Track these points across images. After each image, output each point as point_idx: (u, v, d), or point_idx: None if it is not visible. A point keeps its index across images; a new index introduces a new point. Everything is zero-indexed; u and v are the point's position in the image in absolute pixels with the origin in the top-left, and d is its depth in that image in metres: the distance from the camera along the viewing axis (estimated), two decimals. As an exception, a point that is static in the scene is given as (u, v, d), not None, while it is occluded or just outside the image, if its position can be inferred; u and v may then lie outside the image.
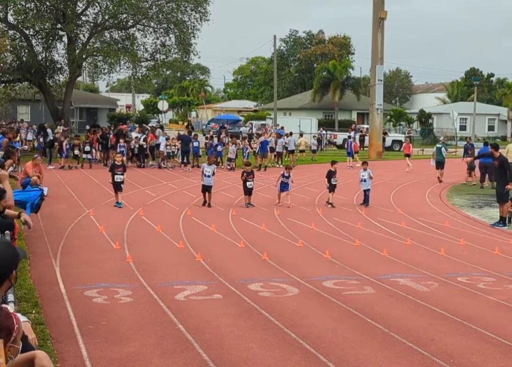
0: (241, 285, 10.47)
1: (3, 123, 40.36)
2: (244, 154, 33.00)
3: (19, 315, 4.25)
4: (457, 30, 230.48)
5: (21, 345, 3.42)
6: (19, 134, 34.68)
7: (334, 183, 20.59)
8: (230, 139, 35.00)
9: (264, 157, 32.76)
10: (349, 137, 37.79)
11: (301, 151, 39.03)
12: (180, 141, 31.84)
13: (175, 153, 32.43)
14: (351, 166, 33.65)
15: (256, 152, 33.03)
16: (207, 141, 34.85)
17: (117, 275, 11.04)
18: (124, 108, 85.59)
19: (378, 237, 15.34)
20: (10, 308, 3.46)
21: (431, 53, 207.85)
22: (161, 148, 31.97)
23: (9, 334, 3.33)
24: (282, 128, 42.64)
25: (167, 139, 32.34)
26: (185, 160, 31.69)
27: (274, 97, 65.68)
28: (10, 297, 5.05)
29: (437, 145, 30.11)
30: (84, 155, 31.82)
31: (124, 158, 24.58)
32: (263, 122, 58.87)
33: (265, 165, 32.71)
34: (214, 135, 38.92)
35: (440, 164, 28.91)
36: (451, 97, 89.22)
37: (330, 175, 20.57)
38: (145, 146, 32.30)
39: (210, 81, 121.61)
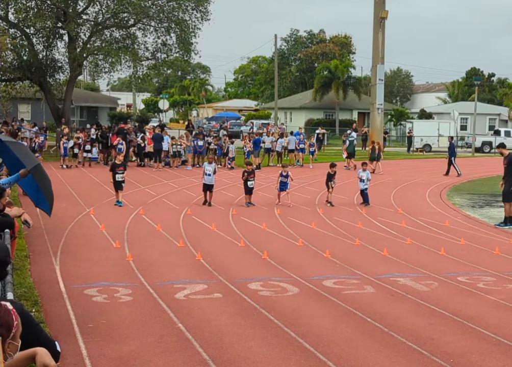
0: (241, 284, 10.47)
1: (6, 121, 40.28)
2: (245, 152, 32.90)
3: None
4: (458, 29, 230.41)
5: (20, 343, 3.40)
6: (20, 133, 34.58)
7: (333, 185, 20.65)
8: (227, 138, 34.56)
9: (256, 156, 32.60)
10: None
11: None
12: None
13: (181, 152, 32.42)
14: (346, 166, 33.80)
15: (245, 151, 32.94)
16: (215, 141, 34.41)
17: (117, 274, 11.04)
18: (124, 107, 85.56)
19: (378, 237, 15.34)
20: (10, 305, 3.45)
21: (432, 52, 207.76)
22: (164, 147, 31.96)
23: (8, 330, 3.32)
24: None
25: (173, 138, 32.37)
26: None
27: (274, 96, 65.72)
28: (10, 295, 5.05)
29: (349, 138, 34.51)
30: (85, 154, 31.78)
31: (123, 153, 24.58)
32: (264, 121, 58.84)
33: (259, 163, 32.57)
34: (214, 135, 38.73)
35: (352, 155, 33.68)
36: (452, 97, 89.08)
37: (330, 178, 20.58)
38: (143, 145, 32.31)
39: (211, 80, 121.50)
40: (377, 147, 31.59)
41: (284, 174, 20.12)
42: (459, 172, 31.34)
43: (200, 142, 32.42)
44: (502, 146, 18.48)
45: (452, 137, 34.85)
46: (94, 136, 32.93)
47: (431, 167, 35.47)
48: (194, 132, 36.60)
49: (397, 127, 70.38)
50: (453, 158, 31.65)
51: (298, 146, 34.75)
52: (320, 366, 7.15)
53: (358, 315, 8.98)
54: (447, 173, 31.48)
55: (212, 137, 34.53)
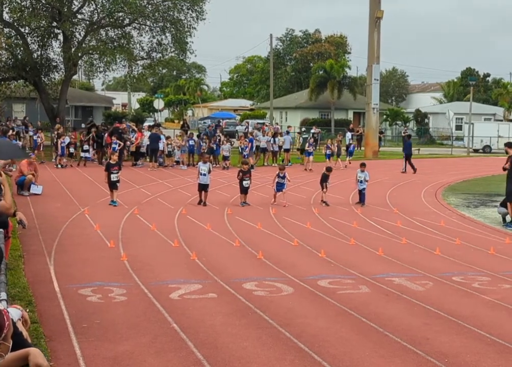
0: (236, 284, 10.45)
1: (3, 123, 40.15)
2: (244, 152, 32.80)
3: (13, 308, 4.21)
4: (454, 30, 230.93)
5: (11, 343, 3.38)
6: (14, 132, 34.46)
7: (327, 185, 20.64)
8: (223, 138, 34.53)
9: (250, 156, 32.53)
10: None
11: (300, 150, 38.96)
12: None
13: (173, 152, 32.38)
14: (345, 166, 33.87)
15: (240, 151, 32.87)
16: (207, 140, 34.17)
17: (111, 274, 11.01)
18: (119, 107, 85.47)
19: (374, 236, 15.34)
20: (1, 305, 3.43)
21: (427, 52, 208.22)
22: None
23: (0, 331, 3.29)
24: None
25: (167, 138, 32.33)
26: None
27: (270, 96, 65.74)
28: (3, 295, 5.02)
29: (303, 136, 37.04)
30: (82, 154, 31.64)
31: (117, 153, 24.50)
32: (260, 121, 58.90)
33: (254, 163, 32.46)
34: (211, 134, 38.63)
35: (303, 152, 35.32)
36: (447, 97, 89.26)
37: (325, 178, 20.54)
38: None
39: (207, 79, 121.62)
40: (336, 144, 34.31)
41: (281, 175, 20.12)
42: (413, 169, 32.54)
43: (203, 143, 32.36)
44: (509, 145, 18.20)
45: (409, 136, 36.28)
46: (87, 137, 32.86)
47: (426, 168, 35.49)
48: (188, 132, 36.54)
49: (392, 127, 70.52)
50: (407, 155, 33.20)
51: (307, 148, 34.72)
52: (314, 366, 7.14)
53: (353, 315, 8.96)
54: (404, 170, 32.82)
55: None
